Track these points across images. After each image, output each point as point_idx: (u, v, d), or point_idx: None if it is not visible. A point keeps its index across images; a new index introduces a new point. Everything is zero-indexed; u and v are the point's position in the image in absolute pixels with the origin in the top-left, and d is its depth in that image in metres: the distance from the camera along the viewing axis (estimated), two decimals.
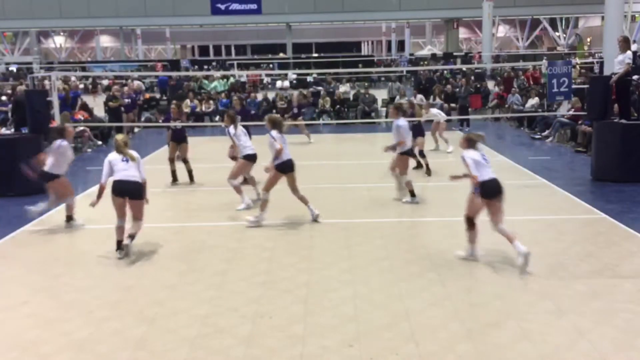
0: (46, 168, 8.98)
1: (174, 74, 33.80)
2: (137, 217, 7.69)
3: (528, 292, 6.29)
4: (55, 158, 8.99)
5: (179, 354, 5.14)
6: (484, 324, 5.56)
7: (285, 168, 8.81)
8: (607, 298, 6.10)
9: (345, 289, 6.45)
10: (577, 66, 26.59)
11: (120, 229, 7.65)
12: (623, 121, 11.70)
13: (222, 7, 44.69)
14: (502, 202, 7.01)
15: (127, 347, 5.25)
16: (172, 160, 11.98)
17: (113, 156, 7.71)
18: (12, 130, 15.38)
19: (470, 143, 7.35)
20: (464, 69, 29.86)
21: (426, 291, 6.36)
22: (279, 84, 31.66)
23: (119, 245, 7.60)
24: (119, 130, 18.05)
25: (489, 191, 6.94)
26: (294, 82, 32.37)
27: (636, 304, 5.93)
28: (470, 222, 7.22)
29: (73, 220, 9.14)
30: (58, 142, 9.05)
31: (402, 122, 9.99)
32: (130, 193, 7.56)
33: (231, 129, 9.97)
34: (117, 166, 7.62)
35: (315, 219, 8.98)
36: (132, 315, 5.90)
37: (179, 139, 12.01)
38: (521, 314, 5.74)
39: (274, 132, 8.79)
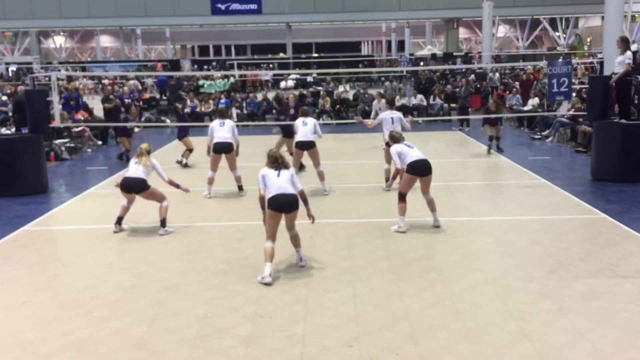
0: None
1: (174, 74, 33.80)
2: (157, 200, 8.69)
3: (528, 292, 6.29)
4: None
5: (179, 354, 5.14)
6: (484, 324, 5.56)
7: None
8: (607, 298, 6.10)
9: (345, 289, 6.45)
10: (582, 65, 26.54)
11: (124, 208, 8.68)
12: (623, 121, 11.70)
13: (222, 7, 44.62)
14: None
15: (127, 347, 5.25)
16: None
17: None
18: (12, 130, 15.39)
19: (394, 140, 8.86)
20: (464, 69, 29.85)
21: (426, 291, 6.36)
22: (282, 84, 31.67)
23: (119, 220, 8.62)
24: (116, 130, 18.04)
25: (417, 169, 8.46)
26: (294, 81, 32.38)
27: (636, 304, 5.93)
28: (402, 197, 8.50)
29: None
30: None
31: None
32: (134, 188, 8.57)
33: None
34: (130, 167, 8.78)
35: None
36: (132, 315, 5.89)
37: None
38: (521, 314, 5.74)
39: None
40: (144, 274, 7.06)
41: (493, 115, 15.39)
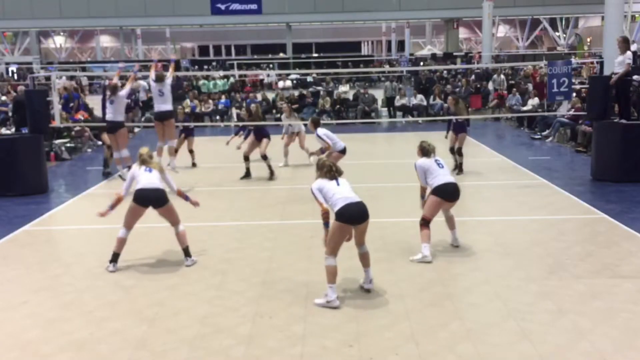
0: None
1: (174, 74, 33.71)
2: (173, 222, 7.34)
3: (528, 292, 6.29)
4: None
5: (179, 354, 5.14)
6: (484, 324, 5.56)
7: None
8: (607, 298, 6.10)
9: (345, 289, 6.44)
10: (589, 65, 26.49)
11: (121, 241, 7.19)
12: (623, 121, 11.70)
13: (222, 7, 44.61)
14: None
15: (127, 347, 5.25)
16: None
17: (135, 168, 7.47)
18: (12, 130, 15.38)
19: (423, 152, 7.57)
20: (464, 69, 29.81)
21: (426, 291, 6.36)
22: (280, 84, 31.65)
23: (115, 257, 7.15)
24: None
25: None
26: (294, 81, 32.37)
27: (636, 304, 5.93)
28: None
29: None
30: None
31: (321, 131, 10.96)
32: (153, 201, 7.19)
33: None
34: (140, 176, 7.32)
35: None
36: (132, 315, 5.89)
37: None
38: (521, 314, 5.74)
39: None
40: (144, 274, 7.06)
41: (453, 118, 12.29)
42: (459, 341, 5.24)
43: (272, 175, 12.21)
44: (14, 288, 6.72)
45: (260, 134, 12.35)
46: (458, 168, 12.23)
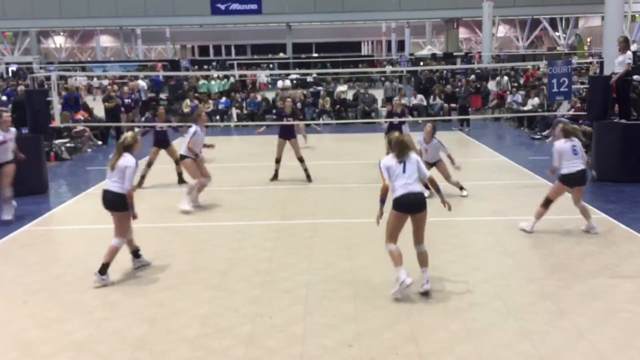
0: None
1: (174, 74, 33.79)
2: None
3: (528, 292, 6.29)
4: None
5: (179, 354, 5.14)
6: (484, 324, 5.56)
7: None
8: (607, 298, 6.10)
9: (345, 289, 6.45)
10: (593, 65, 26.51)
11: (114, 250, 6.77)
12: (623, 121, 11.70)
13: (222, 7, 44.68)
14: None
15: (127, 347, 5.25)
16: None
17: None
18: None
19: (565, 133, 8.12)
20: (465, 69, 29.81)
21: None
22: (279, 83, 31.66)
23: (105, 268, 6.67)
24: (118, 130, 18.05)
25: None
26: (294, 81, 32.37)
27: (636, 304, 5.94)
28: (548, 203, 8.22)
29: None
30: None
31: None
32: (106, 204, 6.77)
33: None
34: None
35: None
36: (132, 315, 5.89)
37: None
38: (521, 314, 5.74)
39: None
40: (144, 274, 7.06)
41: (397, 120, 12.00)
42: (459, 341, 5.24)
43: (309, 178, 11.90)
44: (14, 288, 6.71)
45: (290, 134, 12.04)
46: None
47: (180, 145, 10.75)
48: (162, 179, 12.08)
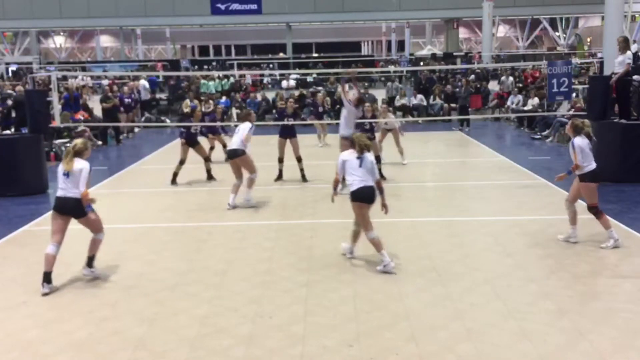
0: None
1: (175, 74, 33.78)
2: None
3: (528, 292, 6.28)
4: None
5: (179, 354, 5.14)
6: (484, 324, 5.56)
7: None
8: (607, 298, 6.10)
9: (345, 289, 6.45)
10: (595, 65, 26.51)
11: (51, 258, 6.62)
12: (623, 121, 11.70)
13: (222, 7, 44.64)
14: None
15: (127, 347, 5.25)
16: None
17: None
18: (12, 130, 15.38)
19: (576, 129, 7.80)
20: (465, 69, 29.79)
21: (426, 291, 6.36)
22: (284, 84, 31.64)
23: (47, 277, 6.51)
24: (116, 130, 18.07)
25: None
26: (294, 81, 32.38)
27: (636, 304, 5.93)
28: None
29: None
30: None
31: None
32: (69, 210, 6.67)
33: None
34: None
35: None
36: (132, 315, 5.89)
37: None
38: (521, 314, 5.74)
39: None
40: (144, 274, 7.06)
41: (368, 121, 12.11)
42: (459, 341, 5.24)
43: (304, 179, 11.95)
44: (14, 288, 6.71)
45: (291, 133, 12.08)
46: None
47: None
48: (162, 179, 12.09)
